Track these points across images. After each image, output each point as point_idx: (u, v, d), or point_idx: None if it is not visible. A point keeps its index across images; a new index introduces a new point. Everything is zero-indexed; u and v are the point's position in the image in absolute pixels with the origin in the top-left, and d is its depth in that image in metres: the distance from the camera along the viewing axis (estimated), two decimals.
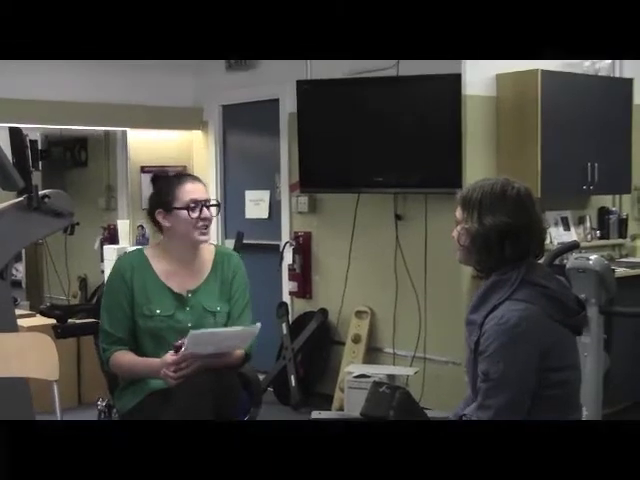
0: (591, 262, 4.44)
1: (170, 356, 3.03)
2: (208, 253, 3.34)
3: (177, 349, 3.02)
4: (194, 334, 2.99)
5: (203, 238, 3.25)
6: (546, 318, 2.35)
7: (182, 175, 3.36)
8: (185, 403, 2.96)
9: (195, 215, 3.18)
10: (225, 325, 3.26)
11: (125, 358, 3.20)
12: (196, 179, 3.31)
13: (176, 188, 3.21)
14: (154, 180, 3.33)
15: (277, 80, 6.25)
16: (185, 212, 3.18)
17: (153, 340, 3.18)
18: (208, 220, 3.23)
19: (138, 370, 3.19)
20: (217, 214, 3.36)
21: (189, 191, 3.21)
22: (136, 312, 3.20)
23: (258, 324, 3.13)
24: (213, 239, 6.85)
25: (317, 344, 6.07)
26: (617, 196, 6.14)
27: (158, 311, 3.19)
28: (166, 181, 3.28)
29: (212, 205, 3.27)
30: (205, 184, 3.35)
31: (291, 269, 6.32)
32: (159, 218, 3.23)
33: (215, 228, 6.87)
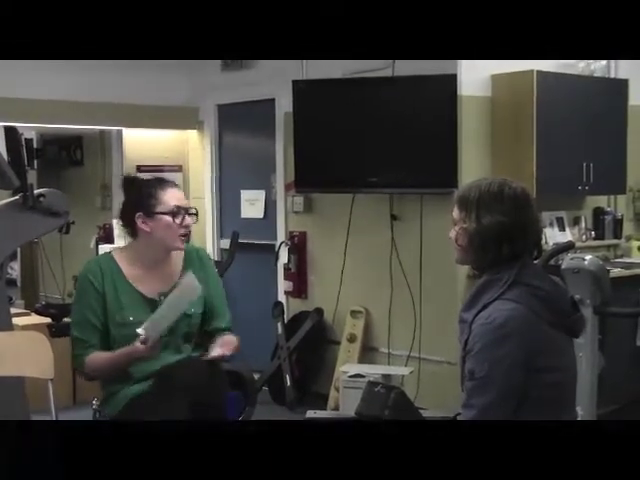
0: (586, 262, 4.44)
1: (140, 347, 3.02)
2: (177, 253, 3.30)
3: (143, 342, 3.02)
4: (146, 327, 2.99)
5: (182, 246, 3.23)
6: (535, 319, 2.34)
7: (162, 180, 3.28)
8: (156, 409, 2.94)
9: (178, 221, 3.16)
10: (201, 326, 3.27)
11: (101, 355, 3.17)
12: (177, 186, 3.29)
13: (159, 192, 3.17)
14: (127, 183, 3.27)
15: (273, 80, 6.25)
16: (169, 217, 3.14)
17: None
18: (188, 228, 3.21)
19: (114, 363, 3.15)
20: (195, 222, 3.32)
21: (174, 197, 3.18)
22: (109, 320, 3.16)
23: (189, 272, 3.12)
24: (209, 238, 6.87)
25: (312, 343, 6.07)
26: (612, 197, 6.14)
27: (131, 318, 3.15)
28: (146, 184, 3.23)
29: (192, 214, 3.25)
30: (183, 192, 3.34)
31: (286, 269, 6.31)
32: (138, 222, 3.17)
33: (210, 227, 6.87)
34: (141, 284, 3.20)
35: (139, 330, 3.00)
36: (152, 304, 3.18)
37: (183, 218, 3.17)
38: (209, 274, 3.31)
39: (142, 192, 3.19)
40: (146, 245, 3.21)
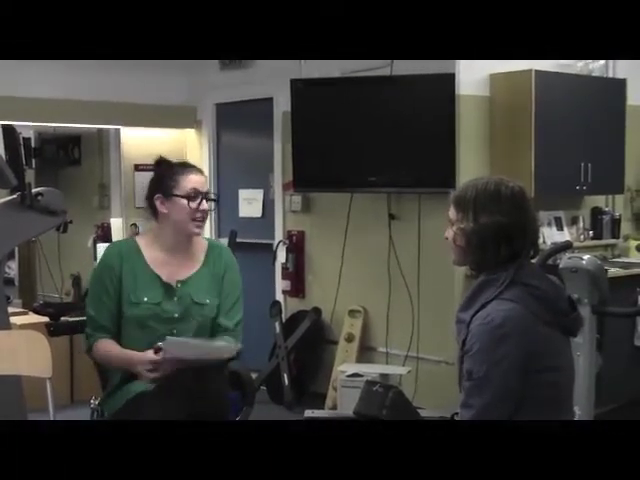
0: (584, 262, 4.44)
1: (150, 355, 3.04)
2: (200, 245, 3.34)
3: (157, 351, 3.02)
4: (171, 340, 3.00)
5: (197, 230, 3.25)
6: (533, 318, 2.34)
7: (186, 164, 3.35)
8: (158, 406, 2.95)
9: (194, 205, 3.18)
10: (214, 318, 3.26)
11: (107, 348, 3.19)
12: (200, 171, 3.30)
13: (180, 175, 3.20)
14: (156, 166, 3.31)
15: (271, 79, 6.25)
16: (184, 201, 3.17)
17: (138, 328, 3.17)
18: (205, 212, 3.23)
19: (118, 361, 3.18)
20: (214, 209, 3.34)
21: (192, 180, 3.20)
22: (123, 299, 3.19)
23: (239, 344, 3.13)
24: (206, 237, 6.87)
25: (310, 343, 6.07)
26: (610, 196, 6.16)
27: (145, 299, 3.18)
28: (170, 167, 3.27)
29: (211, 199, 3.28)
30: (206, 177, 3.36)
31: (284, 268, 6.32)
32: (157, 203, 3.21)
33: (209, 226, 6.87)
34: (160, 268, 3.23)
35: (160, 343, 3.00)
36: (168, 289, 3.21)
37: (200, 202, 3.19)
38: (227, 271, 3.33)
39: (163, 174, 3.24)
40: (164, 227, 3.25)
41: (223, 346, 3.13)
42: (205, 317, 3.25)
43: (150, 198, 3.25)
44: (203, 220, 3.25)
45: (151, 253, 3.25)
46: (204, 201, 3.21)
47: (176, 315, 3.19)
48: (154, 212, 3.26)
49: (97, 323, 3.21)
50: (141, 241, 3.30)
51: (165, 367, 3.02)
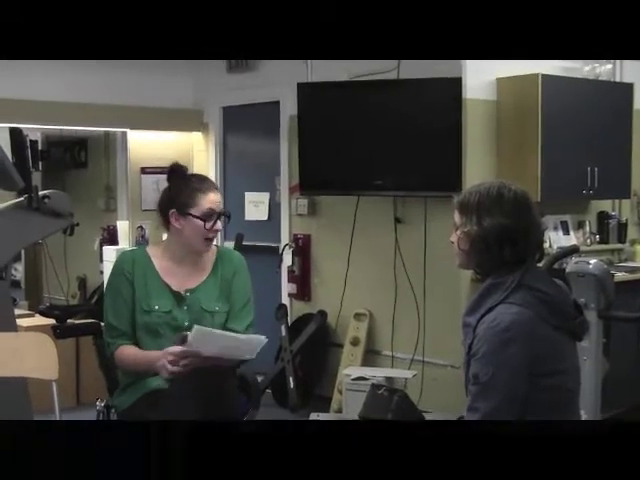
0: (591, 266, 4.44)
1: (173, 347, 3.02)
2: (210, 253, 3.34)
3: (182, 342, 3.01)
4: (199, 329, 2.98)
5: (207, 249, 3.28)
6: (540, 322, 2.34)
7: (204, 181, 3.30)
8: (171, 405, 2.95)
9: (209, 226, 3.19)
10: (224, 324, 3.25)
11: (128, 352, 3.20)
12: (216, 188, 3.30)
13: (198, 194, 3.19)
14: (171, 174, 3.27)
15: (278, 82, 6.26)
16: (200, 222, 3.17)
17: (150, 336, 3.18)
18: (217, 232, 3.26)
19: (139, 362, 3.18)
20: (227, 223, 3.38)
21: (210, 200, 3.20)
22: (136, 307, 3.21)
23: (263, 337, 3.08)
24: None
25: (316, 346, 6.07)
26: (617, 201, 6.15)
27: (156, 307, 3.20)
28: (187, 183, 3.24)
29: (225, 216, 3.31)
30: (221, 194, 3.38)
31: (290, 271, 6.32)
32: (171, 218, 3.21)
33: None
34: (170, 277, 3.25)
35: (187, 332, 3.00)
36: (178, 298, 3.23)
37: (214, 223, 3.20)
38: (236, 275, 3.34)
39: (180, 189, 3.22)
40: (175, 241, 3.27)
41: (249, 339, 3.09)
42: (215, 324, 3.24)
43: (164, 211, 3.24)
44: (214, 239, 3.28)
45: (161, 263, 3.28)
46: (218, 221, 3.22)
47: (186, 323, 3.19)
48: (166, 224, 3.26)
49: (116, 330, 3.22)
50: (151, 251, 3.33)
51: (186, 363, 2.99)
